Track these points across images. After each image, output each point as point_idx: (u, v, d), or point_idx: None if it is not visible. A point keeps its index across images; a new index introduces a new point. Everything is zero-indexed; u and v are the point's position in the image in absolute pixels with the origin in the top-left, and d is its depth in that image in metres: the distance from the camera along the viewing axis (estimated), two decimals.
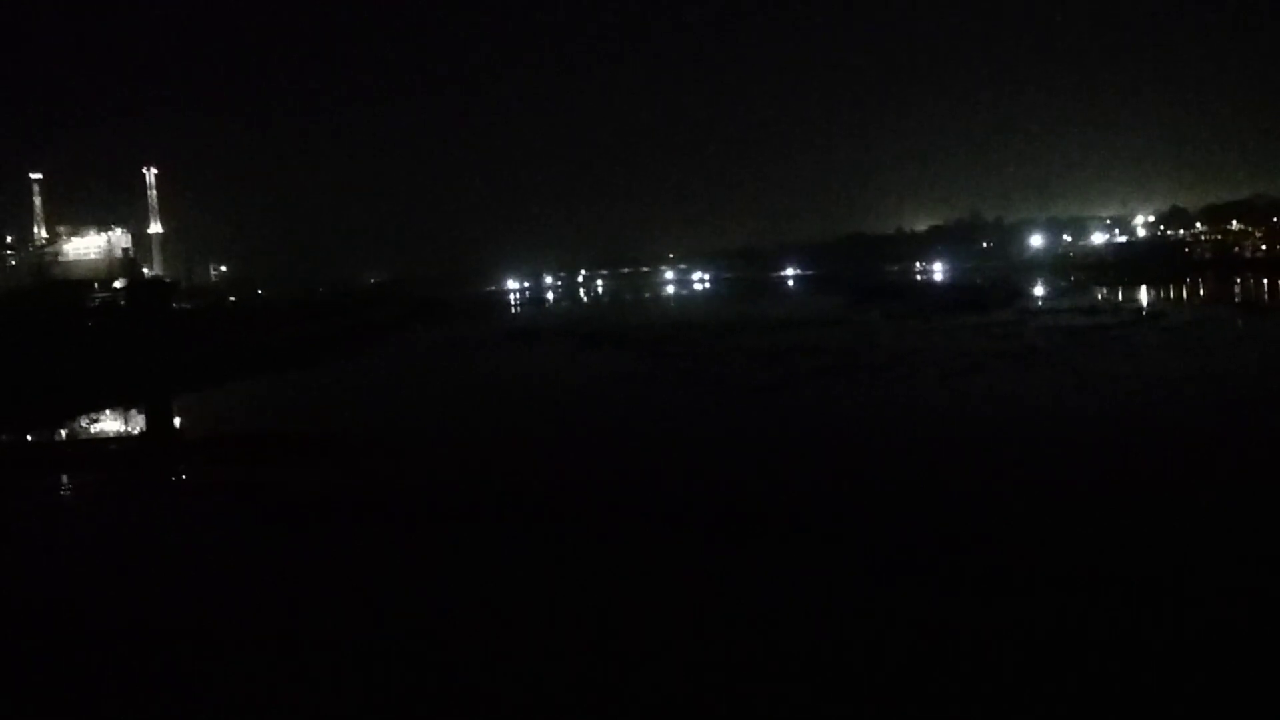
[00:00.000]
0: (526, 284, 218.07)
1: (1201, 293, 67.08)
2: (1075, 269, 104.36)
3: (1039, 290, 79.51)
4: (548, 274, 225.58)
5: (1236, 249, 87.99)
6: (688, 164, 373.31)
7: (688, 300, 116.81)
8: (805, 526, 13.59)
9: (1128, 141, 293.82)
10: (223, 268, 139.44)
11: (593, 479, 17.94)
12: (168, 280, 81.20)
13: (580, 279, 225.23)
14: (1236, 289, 68.27)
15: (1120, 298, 65.69)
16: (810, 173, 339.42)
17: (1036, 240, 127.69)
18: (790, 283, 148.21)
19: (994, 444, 19.23)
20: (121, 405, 36.86)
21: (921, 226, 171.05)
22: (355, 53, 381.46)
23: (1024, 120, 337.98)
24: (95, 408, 35.86)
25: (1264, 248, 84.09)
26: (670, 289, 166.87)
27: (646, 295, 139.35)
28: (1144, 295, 67.40)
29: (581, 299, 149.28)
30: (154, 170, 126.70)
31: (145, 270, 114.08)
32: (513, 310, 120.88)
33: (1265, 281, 72.60)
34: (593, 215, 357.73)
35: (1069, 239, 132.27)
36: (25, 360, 38.47)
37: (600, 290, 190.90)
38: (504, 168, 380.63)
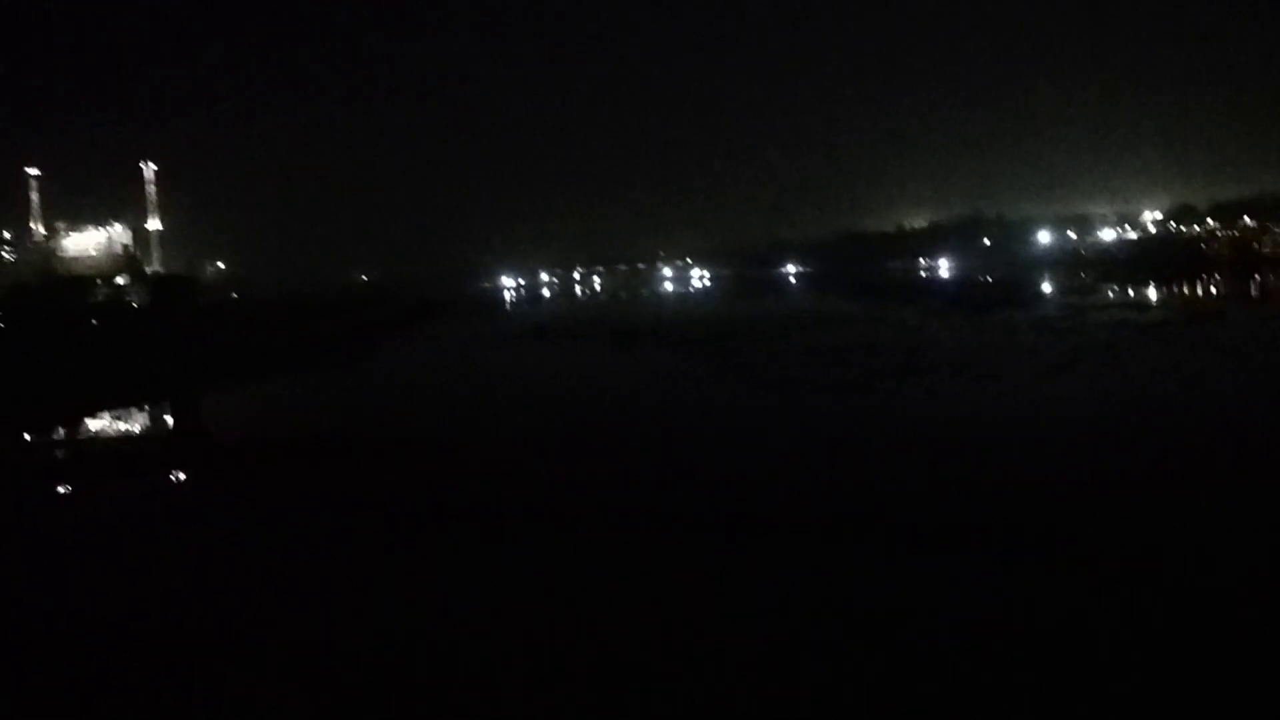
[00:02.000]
0: (522, 281, 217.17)
1: (1234, 290, 66.32)
2: (1086, 266, 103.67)
3: (1058, 288, 78.77)
4: (543, 271, 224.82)
5: (1255, 245, 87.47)
6: (683, 161, 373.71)
7: (695, 298, 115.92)
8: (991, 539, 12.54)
9: (1131, 137, 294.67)
10: (220, 264, 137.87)
11: (705, 484, 16.79)
12: (187, 276, 79.83)
13: (576, 276, 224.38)
14: (1266, 285, 67.67)
15: (1151, 295, 64.94)
16: (807, 169, 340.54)
17: (1044, 237, 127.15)
18: (792, 280, 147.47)
19: (1148, 445, 18.24)
20: (182, 407, 36.11)
21: (921, 223, 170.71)
22: (350, 50, 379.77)
23: (1024, 116, 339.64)
24: (148, 409, 34.97)
25: None
26: (669, 286, 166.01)
27: (649, 293, 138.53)
28: (1175, 292, 66.66)
29: (583, 296, 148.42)
30: (152, 165, 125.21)
31: (146, 268, 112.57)
32: (519, 308, 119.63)
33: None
34: (587, 212, 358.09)
35: (1073, 236, 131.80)
36: (60, 359, 37.17)
37: (597, 288, 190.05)
38: (498, 164, 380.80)
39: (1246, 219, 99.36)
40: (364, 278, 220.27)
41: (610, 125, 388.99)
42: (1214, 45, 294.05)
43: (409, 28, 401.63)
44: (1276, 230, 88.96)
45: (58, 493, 21.08)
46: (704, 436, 22.14)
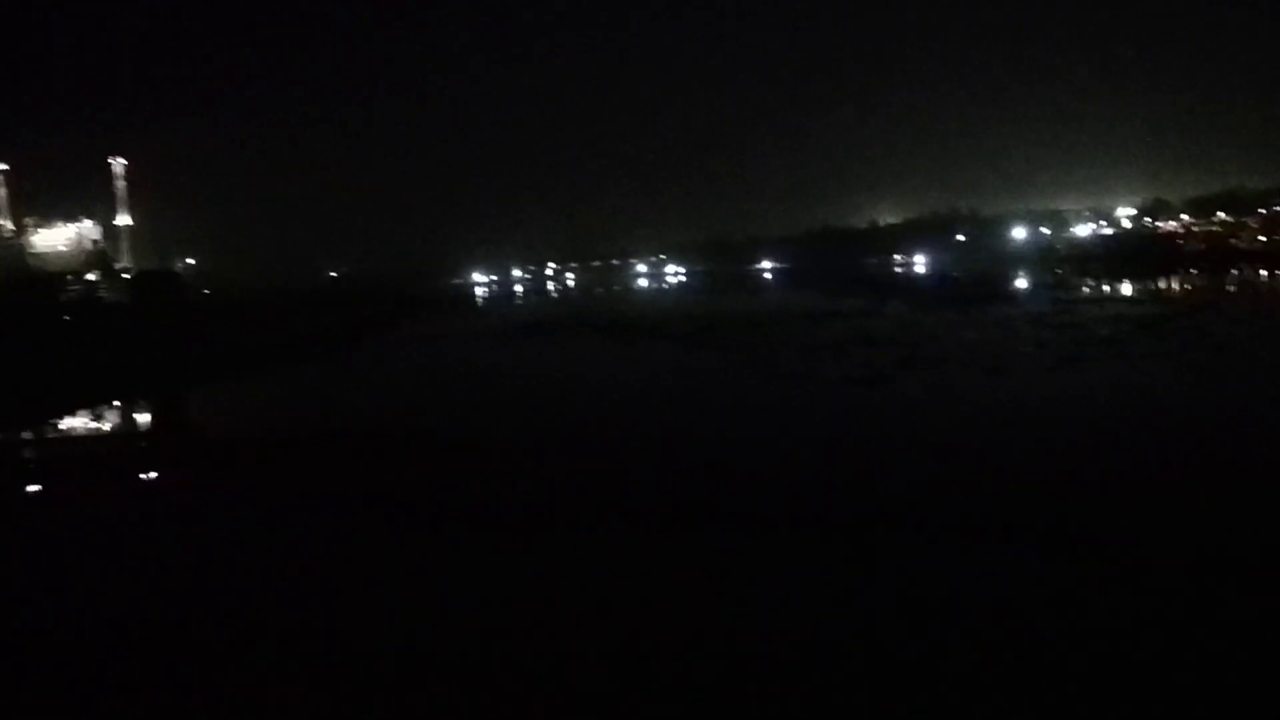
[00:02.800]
0: (494, 278, 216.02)
1: (1215, 284, 66.88)
2: (1063, 262, 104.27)
3: (1039, 283, 78.99)
4: (516, 268, 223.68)
5: (1233, 240, 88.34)
6: (656, 157, 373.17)
7: (675, 293, 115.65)
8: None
9: (1104, 133, 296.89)
10: (190, 260, 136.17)
11: (733, 479, 16.51)
12: (170, 271, 78.65)
13: (549, 273, 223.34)
14: (1246, 280, 68.29)
15: (1135, 290, 65.33)
16: (780, 166, 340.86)
17: (1019, 233, 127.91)
18: (768, 276, 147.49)
19: (1170, 439, 18.15)
20: (172, 404, 35.37)
21: (896, 220, 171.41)
22: (318, 47, 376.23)
23: (997, 112, 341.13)
24: (137, 407, 34.23)
25: (1262, 239, 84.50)
26: (644, 283, 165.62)
27: (626, 289, 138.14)
28: (1158, 287, 67.12)
29: (560, 293, 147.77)
30: (121, 161, 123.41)
31: (115, 264, 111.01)
32: (500, 305, 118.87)
33: (1266, 273, 72.75)
34: (560, 209, 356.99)
35: (1047, 232, 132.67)
36: (42, 356, 36.37)
37: (572, 284, 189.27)
38: (469, 160, 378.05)
39: (1221, 214, 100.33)
40: (333, 274, 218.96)
41: (583, 122, 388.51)
42: (1185, 42, 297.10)
43: (378, 24, 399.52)
44: (1253, 225, 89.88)
45: (52, 491, 20.60)
46: (732, 428, 21.86)
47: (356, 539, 14.26)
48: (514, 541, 13.44)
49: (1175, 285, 67.24)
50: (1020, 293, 65.47)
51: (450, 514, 15.29)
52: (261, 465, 21.44)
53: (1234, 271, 76.52)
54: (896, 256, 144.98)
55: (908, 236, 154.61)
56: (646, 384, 31.21)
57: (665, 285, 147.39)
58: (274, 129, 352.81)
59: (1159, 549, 11.39)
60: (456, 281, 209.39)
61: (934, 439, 19.12)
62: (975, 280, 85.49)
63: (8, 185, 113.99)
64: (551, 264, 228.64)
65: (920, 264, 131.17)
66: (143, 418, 33.76)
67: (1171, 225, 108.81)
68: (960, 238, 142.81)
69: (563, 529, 13.97)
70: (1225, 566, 10.66)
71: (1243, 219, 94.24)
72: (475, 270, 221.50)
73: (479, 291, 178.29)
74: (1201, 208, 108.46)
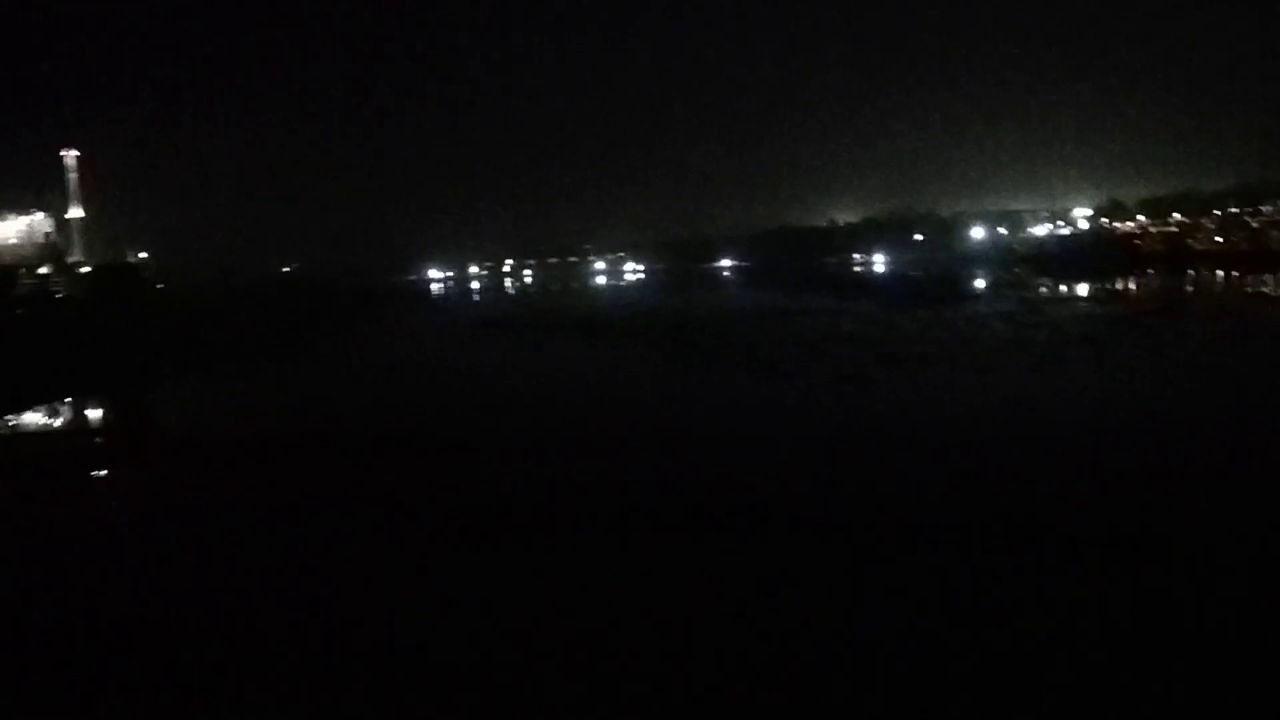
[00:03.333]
0: (451, 274, 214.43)
1: (1176, 284, 67.73)
2: (1021, 262, 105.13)
3: (1002, 282, 79.49)
4: (473, 265, 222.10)
5: (1189, 241, 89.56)
6: (614, 154, 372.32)
7: (637, 291, 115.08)
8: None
9: (1058, 136, 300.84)
10: (143, 254, 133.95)
11: (745, 479, 16.25)
12: (131, 264, 76.68)
13: (507, 269, 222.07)
14: (1203, 281, 69.23)
15: (1098, 290, 65.98)
16: (737, 164, 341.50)
17: (977, 233, 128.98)
18: (728, 274, 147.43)
19: (1165, 436, 18.20)
20: (135, 401, 34.36)
21: (854, 218, 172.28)
22: (271, 41, 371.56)
23: (953, 113, 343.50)
24: (95, 403, 33.41)
25: (1219, 240, 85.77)
26: (603, 280, 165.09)
27: (586, 286, 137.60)
28: (1119, 287, 67.88)
29: (519, 290, 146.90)
30: (74, 153, 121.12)
31: (69, 258, 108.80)
32: (460, 300, 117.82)
33: (1220, 274, 73.80)
34: (517, 206, 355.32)
35: (1004, 232, 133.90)
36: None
37: (530, 281, 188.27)
38: (425, 156, 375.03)
39: (1176, 215, 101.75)
40: (286, 270, 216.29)
41: (541, 119, 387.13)
42: (1138, 47, 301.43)
43: (335, 18, 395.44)
44: (1209, 226, 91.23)
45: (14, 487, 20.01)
46: (730, 427, 21.60)
47: (316, 539, 13.94)
48: (503, 545, 13.12)
49: (1135, 286, 68.01)
50: (984, 292, 65.90)
51: (441, 518, 14.91)
52: (225, 466, 20.76)
53: (1190, 272, 77.54)
54: (856, 255, 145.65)
55: (866, 235, 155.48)
56: (634, 383, 30.80)
57: (625, 282, 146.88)
58: (226, 122, 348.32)
59: (1178, 548, 11.36)
60: (412, 278, 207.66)
61: (933, 438, 19.01)
62: (936, 279, 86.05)
63: None
64: (509, 260, 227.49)
65: (879, 263, 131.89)
66: (100, 414, 32.83)
67: (1129, 226, 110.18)
68: (918, 237, 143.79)
69: (562, 533, 13.62)
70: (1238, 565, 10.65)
71: (1199, 220, 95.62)
72: (432, 266, 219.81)
73: (436, 288, 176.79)
74: (1155, 209, 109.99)
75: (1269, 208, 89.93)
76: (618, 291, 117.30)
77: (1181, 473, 15.31)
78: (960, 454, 17.45)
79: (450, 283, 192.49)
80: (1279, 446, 17.02)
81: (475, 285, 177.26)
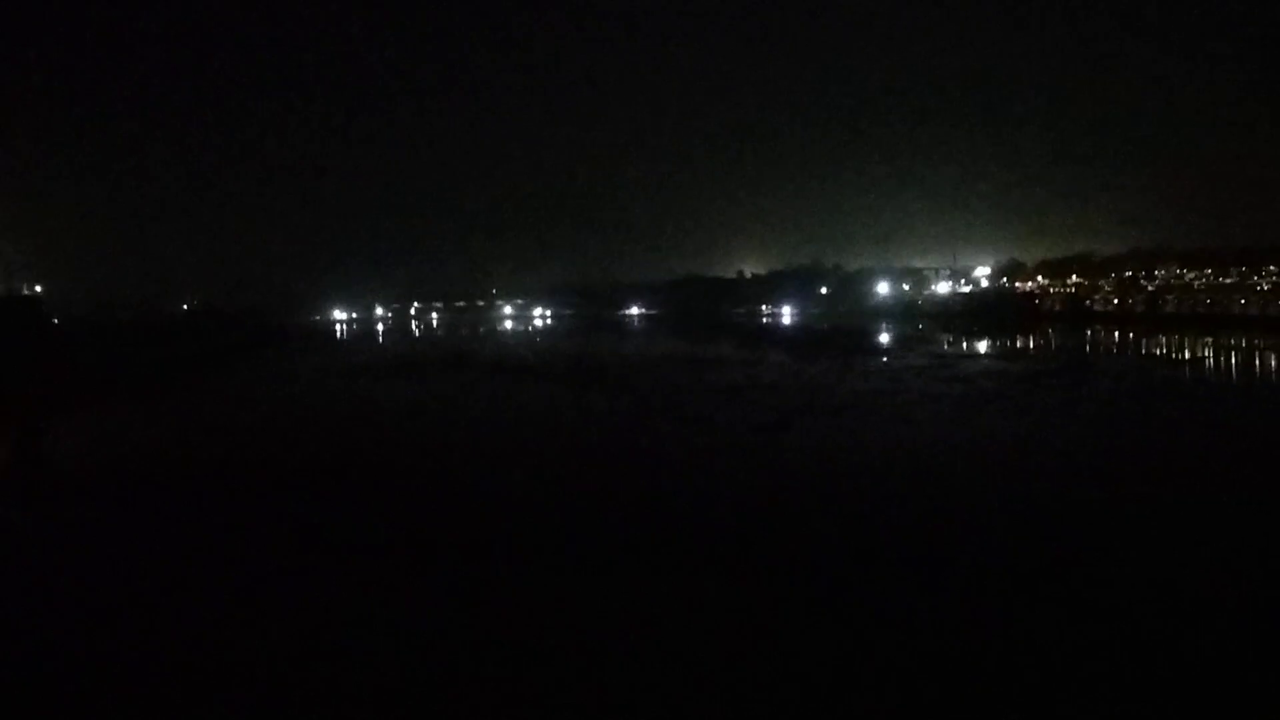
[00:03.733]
0: (355, 315, 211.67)
1: (1077, 342, 69.50)
2: (925, 317, 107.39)
3: (909, 336, 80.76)
4: (378, 306, 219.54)
5: (1088, 302, 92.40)
6: (521, 200, 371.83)
7: (545, 336, 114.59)
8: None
9: (961, 197, 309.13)
10: (38, 287, 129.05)
11: (664, 527, 15.96)
12: (30, 297, 72.98)
13: (413, 312, 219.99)
14: (1100, 339, 71.17)
15: (1002, 346, 67.38)
16: (643, 214, 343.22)
17: (883, 288, 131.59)
18: (637, 322, 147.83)
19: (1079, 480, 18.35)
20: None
21: (761, 270, 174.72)
22: (176, 71, 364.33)
23: (858, 171, 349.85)
24: None
25: (1115, 302, 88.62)
26: (510, 325, 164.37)
27: (493, 330, 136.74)
28: (1026, 344, 69.41)
29: (426, 332, 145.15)
30: None
31: None
32: (367, 340, 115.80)
33: (1118, 334, 76.09)
34: (423, 247, 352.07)
35: (907, 288, 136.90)
36: None
37: (436, 324, 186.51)
38: (331, 195, 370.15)
39: (1075, 276, 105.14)
40: (185, 306, 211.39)
41: (449, 162, 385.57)
42: (1034, 112, 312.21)
43: (238, 52, 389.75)
44: (1107, 288, 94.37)
45: None
46: (652, 474, 21.19)
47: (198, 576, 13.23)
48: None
49: (1038, 343, 69.61)
50: (893, 346, 66.73)
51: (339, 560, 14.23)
52: (111, 502, 19.66)
53: (1088, 332, 79.76)
54: (764, 306, 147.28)
55: (773, 287, 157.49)
56: (552, 428, 30.06)
57: (534, 328, 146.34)
58: (130, 153, 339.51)
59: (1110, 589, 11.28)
60: (316, 317, 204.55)
61: (853, 485, 19.06)
62: (845, 332, 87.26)
63: None
64: (415, 303, 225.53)
65: (787, 315, 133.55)
66: None
67: (1029, 286, 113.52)
68: (824, 290, 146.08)
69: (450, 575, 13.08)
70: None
71: (1096, 281, 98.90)
72: (336, 307, 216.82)
73: (339, 328, 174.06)
74: (1053, 270, 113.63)
75: (1162, 271, 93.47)
76: (528, 336, 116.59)
77: (1092, 512, 15.72)
78: (896, 501, 17.42)
79: (355, 324, 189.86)
80: (1178, 491, 17.69)
81: (380, 327, 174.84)
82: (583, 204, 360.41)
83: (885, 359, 54.30)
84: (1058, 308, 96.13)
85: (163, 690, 9.41)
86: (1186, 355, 51.38)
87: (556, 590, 12.42)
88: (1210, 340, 58.85)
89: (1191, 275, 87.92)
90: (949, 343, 69.89)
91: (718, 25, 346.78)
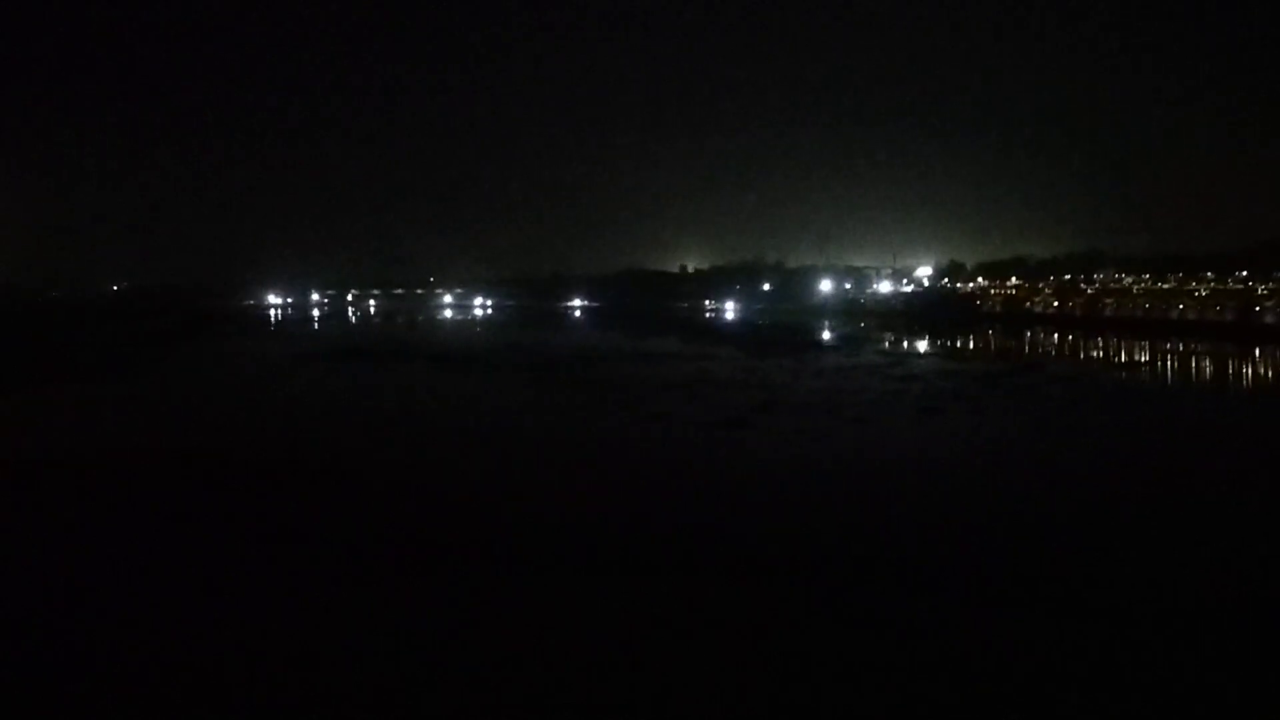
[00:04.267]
0: (290, 300, 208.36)
1: (1019, 342, 70.44)
2: (868, 315, 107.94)
3: (851, 334, 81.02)
4: (314, 291, 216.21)
5: (1028, 304, 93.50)
6: (462, 188, 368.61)
7: (487, 325, 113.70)
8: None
9: (902, 197, 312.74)
10: None
11: (627, 524, 15.76)
12: None
13: (350, 298, 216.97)
14: (1042, 339, 72.19)
15: (947, 345, 68.04)
16: (585, 205, 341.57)
17: (826, 286, 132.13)
18: (578, 313, 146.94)
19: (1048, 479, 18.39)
20: None
21: (703, 265, 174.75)
22: (107, 43, 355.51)
23: (801, 168, 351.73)
24: None
25: (1055, 304, 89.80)
26: (449, 313, 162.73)
27: (432, 319, 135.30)
28: (971, 343, 70.16)
29: (365, 319, 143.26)
30: None
31: None
32: (306, 326, 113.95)
33: (1056, 335, 77.15)
34: (361, 233, 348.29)
35: (848, 286, 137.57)
36: None
37: (374, 311, 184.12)
38: (266, 177, 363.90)
39: (1015, 279, 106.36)
40: (114, 288, 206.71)
41: (389, 147, 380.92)
42: (976, 118, 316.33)
43: (183, 29, 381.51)
44: (1048, 291, 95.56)
45: None
46: (617, 472, 20.91)
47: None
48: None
49: (981, 343, 70.42)
50: (840, 343, 66.94)
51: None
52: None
53: (1028, 333, 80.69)
54: (707, 301, 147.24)
55: (715, 283, 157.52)
56: (511, 422, 29.51)
57: (474, 317, 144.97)
58: (53, 131, 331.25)
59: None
60: (250, 302, 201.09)
61: (814, 485, 19.01)
62: (790, 329, 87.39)
63: None
64: (353, 290, 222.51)
65: (730, 310, 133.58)
66: None
67: (970, 287, 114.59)
68: (766, 287, 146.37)
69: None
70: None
71: (1036, 283, 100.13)
72: (270, 291, 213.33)
73: (274, 313, 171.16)
74: (991, 271, 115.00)
75: (1100, 276, 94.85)
76: (470, 326, 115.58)
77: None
78: (863, 499, 17.36)
79: (291, 309, 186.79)
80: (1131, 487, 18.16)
81: (316, 313, 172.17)
82: (524, 195, 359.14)
83: (836, 356, 54.43)
84: (998, 309, 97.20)
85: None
86: (1130, 359, 52.25)
87: (554, 592, 12.09)
88: (1148, 344, 59.84)
89: (1129, 280, 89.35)
90: (894, 341, 70.40)
91: (663, 22, 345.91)
